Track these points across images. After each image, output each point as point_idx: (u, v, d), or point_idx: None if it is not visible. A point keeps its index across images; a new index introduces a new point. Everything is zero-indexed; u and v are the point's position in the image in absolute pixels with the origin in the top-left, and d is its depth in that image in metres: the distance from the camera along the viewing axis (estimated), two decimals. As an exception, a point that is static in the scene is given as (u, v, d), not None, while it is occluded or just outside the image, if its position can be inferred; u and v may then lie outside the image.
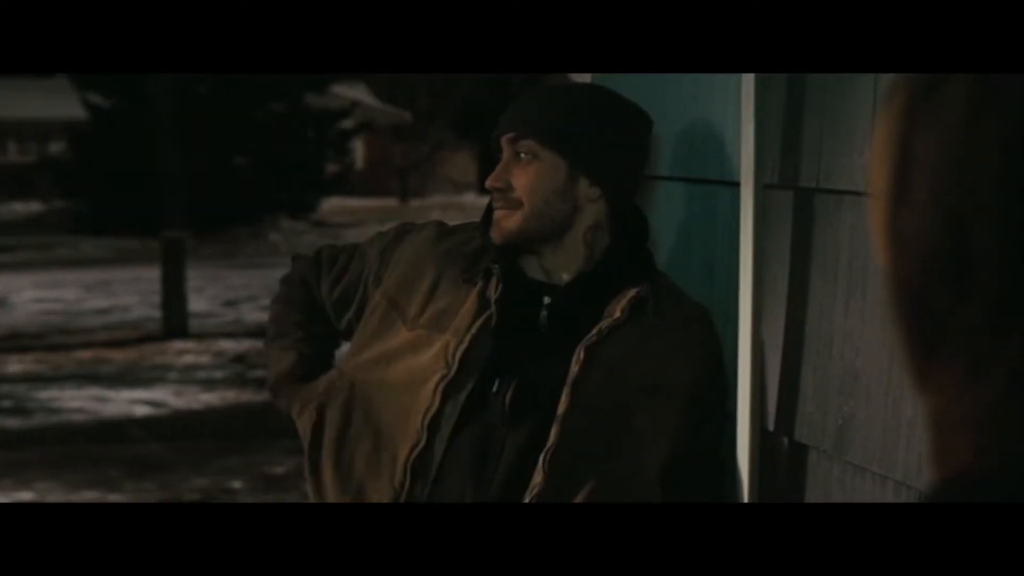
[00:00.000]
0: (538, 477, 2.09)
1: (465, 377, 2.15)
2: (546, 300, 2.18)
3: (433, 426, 2.15)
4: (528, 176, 2.17)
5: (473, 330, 2.16)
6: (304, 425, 2.28)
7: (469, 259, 2.23)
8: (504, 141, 2.20)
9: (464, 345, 2.15)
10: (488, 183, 2.20)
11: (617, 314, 2.14)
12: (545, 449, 2.10)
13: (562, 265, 2.20)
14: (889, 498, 1.93)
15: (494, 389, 2.14)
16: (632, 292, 2.16)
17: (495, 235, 2.19)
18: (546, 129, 2.17)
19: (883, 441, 1.95)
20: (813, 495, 2.11)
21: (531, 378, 2.14)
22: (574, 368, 2.11)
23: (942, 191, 0.72)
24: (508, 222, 2.18)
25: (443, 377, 2.15)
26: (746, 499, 2.21)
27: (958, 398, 0.73)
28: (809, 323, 2.11)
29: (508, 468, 2.12)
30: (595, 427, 2.12)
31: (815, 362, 2.10)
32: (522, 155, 2.18)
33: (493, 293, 2.17)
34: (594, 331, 2.14)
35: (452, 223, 2.35)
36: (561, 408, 2.10)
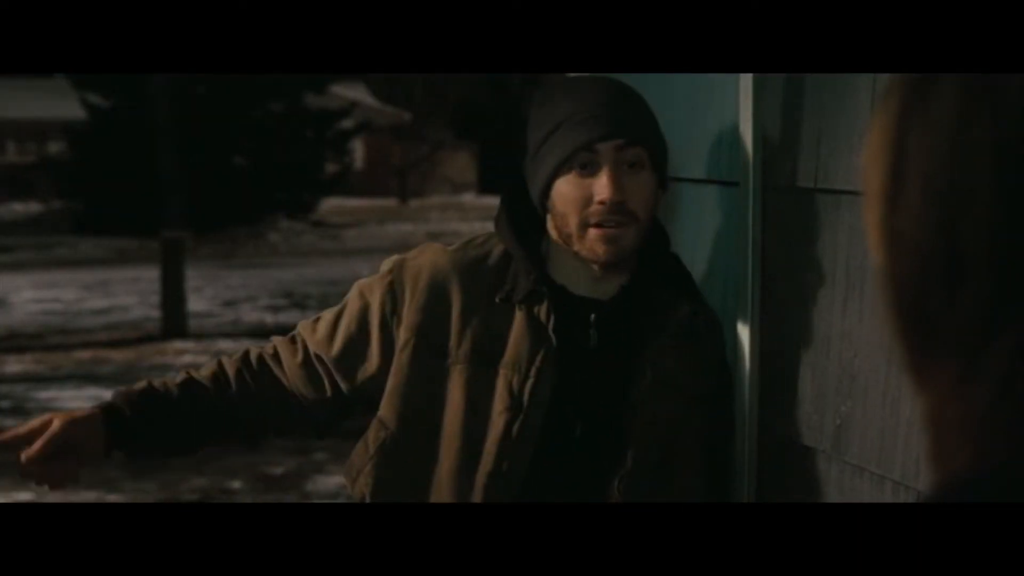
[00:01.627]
0: (614, 502, 2.05)
1: (535, 414, 2.06)
2: (592, 317, 2.10)
3: (514, 472, 2.06)
4: (639, 186, 2.04)
5: (537, 363, 2.06)
6: (362, 491, 2.14)
7: (493, 275, 2.11)
8: (610, 148, 2.03)
9: (531, 380, 2.05)
10: (608, 197, 2.01)
11: (674, 329, 2.10)
12: (621, 474, 2.06)
13: (609, 278, 2.12)
14: (887, 498, 1.93)
15: (562, 421, 2.07)
16: (686, 308, 2.12)
17: (604, 254, 2.05)
18: (649, 135, 2.07)
19: (881, 441, 1.95)
20: (811, 495, 2.10)
21: (593, 403, 2.09)
22: (641, 386, 2.07)
23: (935, 192, 0.73)
24: (626, 240, 2.05)
25: (515, 418, 2.06)
26: (745, 499, 2.21)
27: (953, 398, 0.73)
28: (807, 323, 2.11)
29: (585, 498, 2.07)
30: (660, 445, 2.09)
31: (813, 362, 2.10)
32: (632, 164, 2.04)
33: (546, 320, 2.07)
34: (654, 346, 2.09)
35: (442, 232, 2.29)
36: (635, 430, 2.07)
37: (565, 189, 2.05)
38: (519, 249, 2.10)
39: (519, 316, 2.08)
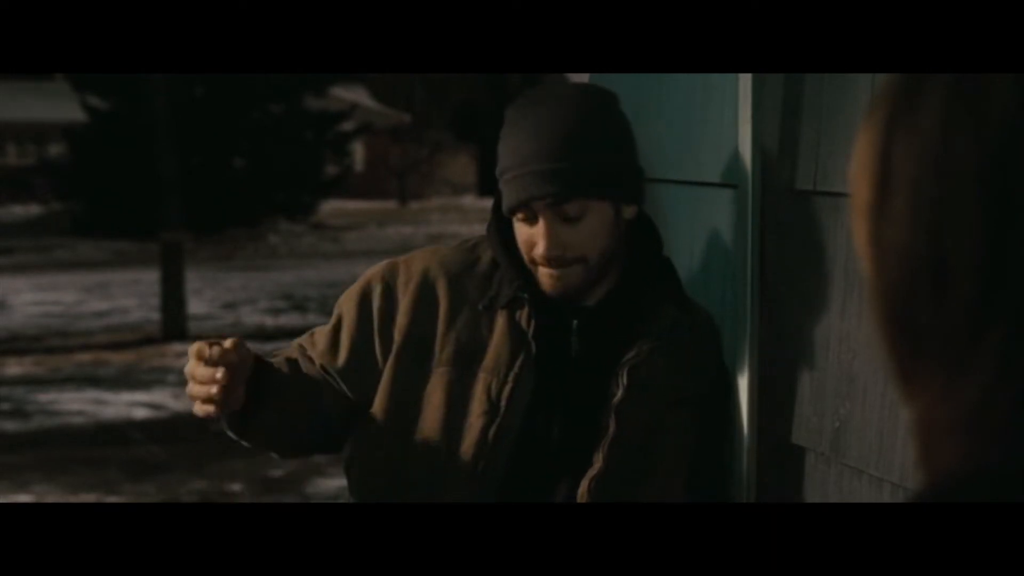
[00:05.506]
0: (582, 502, 2.06)
1: (512, 418, 2.08)
2: (574, 323, 2.11)
3: (489, 474, 2.08)
4: (582, 234, 2.05)
5: (516, 369, 2.08)
6: (351, 481, 2.19)
7: (481, 280, 2.14)
8: (539, 207, 2.04)
9: (509, 385, 2.08)
10: (543, 253, 2.05)
11: (656, 334, 2.10)
12: (590, 476, 2.07)
13: (592, 286, 2.13)
14: (886, 500, 1.93)
15: (540, 425, 2.09)
16: (671, 312, 2.12)
17: (552, 289, 2.08)
18: (586, 182, 2.04)
19: (880, 443, 1.95)
20: (810, 497, 2.10)
21: (572, 408, 2.10)
22: (617, 391, 2.07)
23: (922, 201, 0.74)
24: (571, 279, 2.07)
25: (491, 422, 2.08)
26: (744, 500, 2.21)
27: (940, 403, 0.74)
28: (806, 325, 2.11)
29: (560, 500, 2.08)
30: (634, 448, 2.09)
31: (812, 364, 2.10)
32: (568, 217, 2.04)
33: (527, 326, 2.09)
34: (633, 352, 2.09)
35: (442, 234, 2.28)
36: (609, 433, 2.07)
37: (517, 229, 2.10)
38: (505, 257, 2.13)
39: (501, 321, 2.11)
